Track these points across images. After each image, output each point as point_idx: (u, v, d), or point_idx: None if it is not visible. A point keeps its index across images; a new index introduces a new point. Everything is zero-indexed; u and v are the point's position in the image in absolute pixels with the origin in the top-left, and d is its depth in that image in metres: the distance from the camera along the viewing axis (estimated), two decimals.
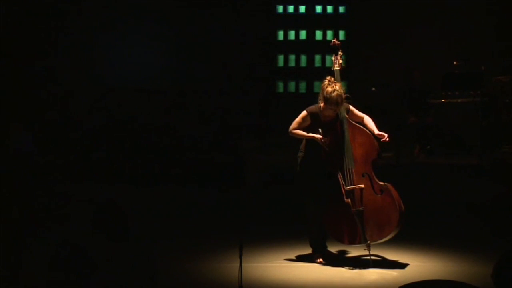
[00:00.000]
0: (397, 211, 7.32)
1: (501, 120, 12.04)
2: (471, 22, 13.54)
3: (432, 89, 12.54)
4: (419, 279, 5.93)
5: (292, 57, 14.50)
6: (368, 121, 7.56)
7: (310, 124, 7.46)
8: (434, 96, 12.41)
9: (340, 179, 7.37)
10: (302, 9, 14.51)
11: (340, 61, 7.71)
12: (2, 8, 12.80)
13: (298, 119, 7.53)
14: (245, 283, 6.07)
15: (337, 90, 7.31)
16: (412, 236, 8.16)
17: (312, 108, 7.50)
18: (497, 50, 13.29)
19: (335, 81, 7.45)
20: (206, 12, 13.87)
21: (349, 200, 7.34)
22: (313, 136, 7.40)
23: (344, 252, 7.92)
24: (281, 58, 14.50)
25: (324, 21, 14.46)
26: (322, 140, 7.34)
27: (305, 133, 7.46)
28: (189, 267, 7.35)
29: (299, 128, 7.48)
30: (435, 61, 13.02)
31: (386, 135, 7.42)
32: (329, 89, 7.32)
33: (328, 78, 7.44)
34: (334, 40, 7.89)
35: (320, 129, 7.39)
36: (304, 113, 7.52)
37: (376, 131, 7.45)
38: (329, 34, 14.32)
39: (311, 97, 7.83)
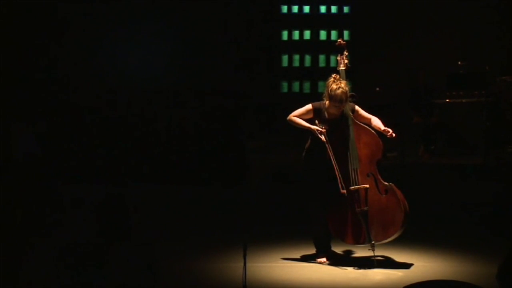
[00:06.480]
0: (401, 211, 7.31)
1: (506, 120, 12.02)
2: (475, 22, 13.52)
3: (437, 89, 12.53)
4: (424, 279, 5.93)
5: (297, 57, 14.48)
6: (376, 121, 7.53)
7: (312, 119, 7.43)
8: (439, 96, 12.40)
9: (339, 179, 7.28)
10: (306, 9, 14.50)
11: (346, 61, 7.69)
12: (4, 8, 12.79)
13: (301, 109, 7.52)
14: (249, 283, 6.07)
15: (342, 88, 7.30)
16: (416, 236, 8.15)
17: (317, 103, 7.49)
18: (501, 49, 13.28)
19: (340, 79, 7.43)
20: (210, 12, 13.86)
21: (345, 191, 7.29)
22: (309, 127, 7.40)
23: (348, 252, 7.90)
24: (285, 58, 14.49)
25: (329, 21, 14.45)
26: (319, 131, 7.33)
27: (302, 122, 7.44)
28: (193, 267, 7.34)
29: (299, 117, 7.47)
30: (439, 61, 13.01)
31: (391, 130, 7.38)
32: (334, 86, 7.31)
33: (333, 75, 7.42)
34: (339, 40, 7.87)
35: (316, 121, 7.38)
36: (309, 106, 7.50)
37: (382, 127, 7.41)
38: (334, 34, 14.31)
39: (315, 97, 7.80)
